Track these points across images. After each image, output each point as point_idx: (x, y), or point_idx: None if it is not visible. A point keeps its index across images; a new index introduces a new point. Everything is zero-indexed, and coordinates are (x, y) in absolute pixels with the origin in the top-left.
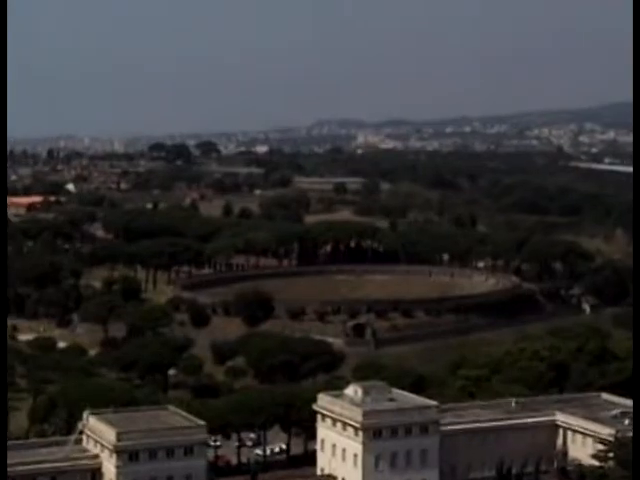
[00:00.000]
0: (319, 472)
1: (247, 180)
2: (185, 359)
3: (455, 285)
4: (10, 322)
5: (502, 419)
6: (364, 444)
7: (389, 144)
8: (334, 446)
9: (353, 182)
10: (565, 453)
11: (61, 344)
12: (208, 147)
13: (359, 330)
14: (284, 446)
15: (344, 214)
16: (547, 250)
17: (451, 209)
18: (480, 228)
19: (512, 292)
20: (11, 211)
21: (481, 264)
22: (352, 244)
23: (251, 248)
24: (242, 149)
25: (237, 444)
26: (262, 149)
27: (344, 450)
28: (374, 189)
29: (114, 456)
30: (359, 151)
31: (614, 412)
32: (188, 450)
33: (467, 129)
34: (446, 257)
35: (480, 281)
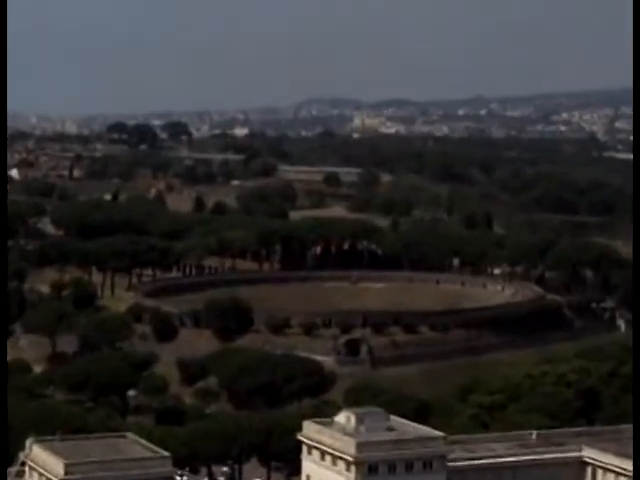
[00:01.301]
0: None
1: (223, 168)
2: (147, 378)
3: (466, 296)
4: None
5: (520, 454)
6: None
7: (390, 128)
8: None
9: (347, 172)
10: None
11: None
12: (177, 129)
13: (353, 347)
14: None
15: (336, 210)
16: (576, 255)
17: (463, 206)
18: (497, 229)
19: (534, 305)
20: None
21: (497, 271)
22: (346, 245)
23: (226, 249)
24: (217, 132)
25: (207, 479)
26: (241, 132)
27: None
28: (372, 181)
29: None
30: (355, 136)
31: None
32: None
33: (483, 111)
34: (456, 262)
35: (496, 291)
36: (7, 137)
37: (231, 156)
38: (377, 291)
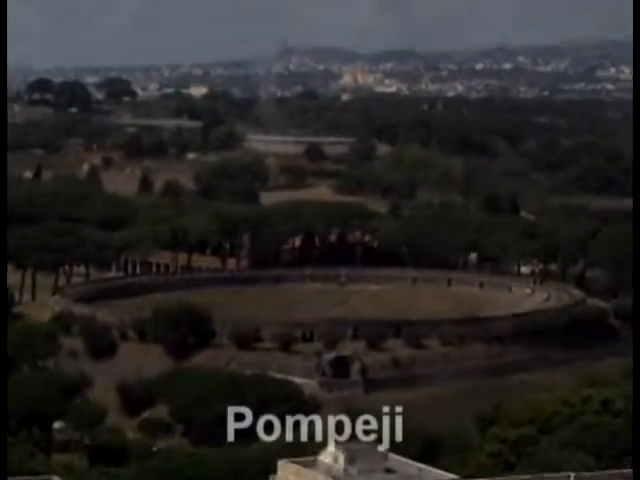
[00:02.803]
0: None
1: (176, 138)
2: (78, 406)
3: (486, 300)
4: None
5: None
6: None
7: (390, 87)
8: None
9: (335, 143)
10: None
11: None
12: (117, 87)
13: (341, 366)
14: None
15: (321, 191)
16: (624, 249)
17: (482, 186)
18: (525, 215)
19: (572, 312)
20: None
21: (525, 269)
22: (332, 237)
23: (181, 241)
24: (168, 91)
25: None
26: (199, 92)
27: None
28: (366, 154)
29: None
30: (344, 97)
31: None
32: None
33: (507, 66)
34: (473, 258)
35: (523, 295)
36: None
37: (186, 122)
38: (372, 295)
